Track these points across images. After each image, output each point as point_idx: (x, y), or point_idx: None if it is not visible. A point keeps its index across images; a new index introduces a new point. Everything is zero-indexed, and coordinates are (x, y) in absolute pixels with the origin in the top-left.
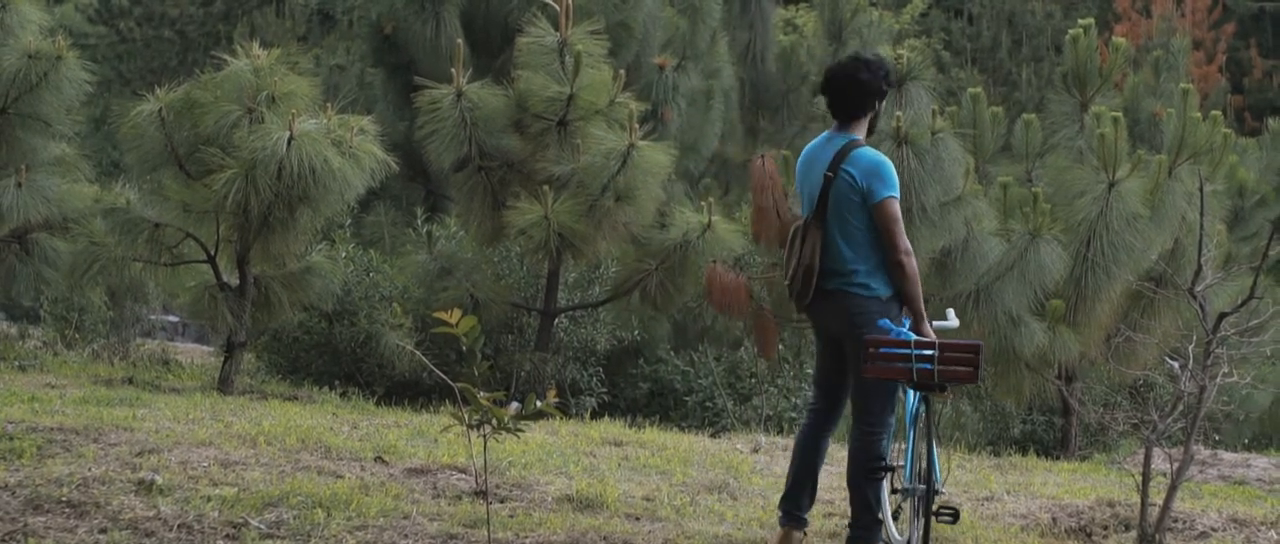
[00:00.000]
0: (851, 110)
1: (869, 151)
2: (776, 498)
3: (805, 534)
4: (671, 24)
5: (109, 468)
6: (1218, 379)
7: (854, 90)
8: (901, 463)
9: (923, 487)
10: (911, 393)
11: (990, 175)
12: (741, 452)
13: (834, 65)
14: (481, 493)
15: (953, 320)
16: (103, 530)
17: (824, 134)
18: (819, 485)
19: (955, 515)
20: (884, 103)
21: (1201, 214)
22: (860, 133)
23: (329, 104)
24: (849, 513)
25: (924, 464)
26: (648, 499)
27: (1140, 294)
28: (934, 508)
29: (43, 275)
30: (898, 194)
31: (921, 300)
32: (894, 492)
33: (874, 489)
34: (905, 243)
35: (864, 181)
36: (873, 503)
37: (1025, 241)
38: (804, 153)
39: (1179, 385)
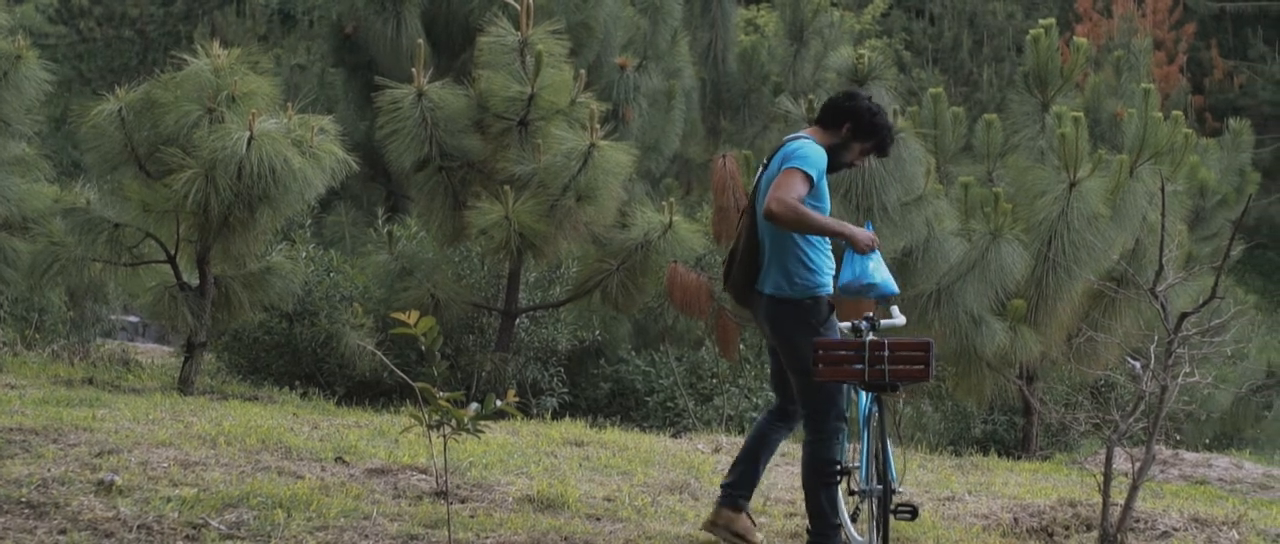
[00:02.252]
0: (820, 114)
1: (796, 140)
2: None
3: (740, 514)
4: (632, 24)
5: (69, 468)
6: (1179, 379)
7: (832, 100)
8: (857, 464)
9: (880, 487)
10: (864, 394)
11: (951, 175)
12: (702, 452)
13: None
14: (442, 493)
15: (898, 318)
16: (62, 531)
17: None
18: (785, 485)
19: (914, 512)
20: (859, 145)
21: (1162, 214)
22: (813, 133)
23: (289, 104)
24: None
25: (880, 464)
26: (609, 499)
27: (1101, 294)
28: (892, 506)
29: (2, 275)
30: (809, 170)
31: (822, 224)
32: (852, 493)
33: (828, 495)
34: (781, 195)
35: (779, 165)
36: (827, 509)
37: (986, 241)
38: None
39: (1140, 385)
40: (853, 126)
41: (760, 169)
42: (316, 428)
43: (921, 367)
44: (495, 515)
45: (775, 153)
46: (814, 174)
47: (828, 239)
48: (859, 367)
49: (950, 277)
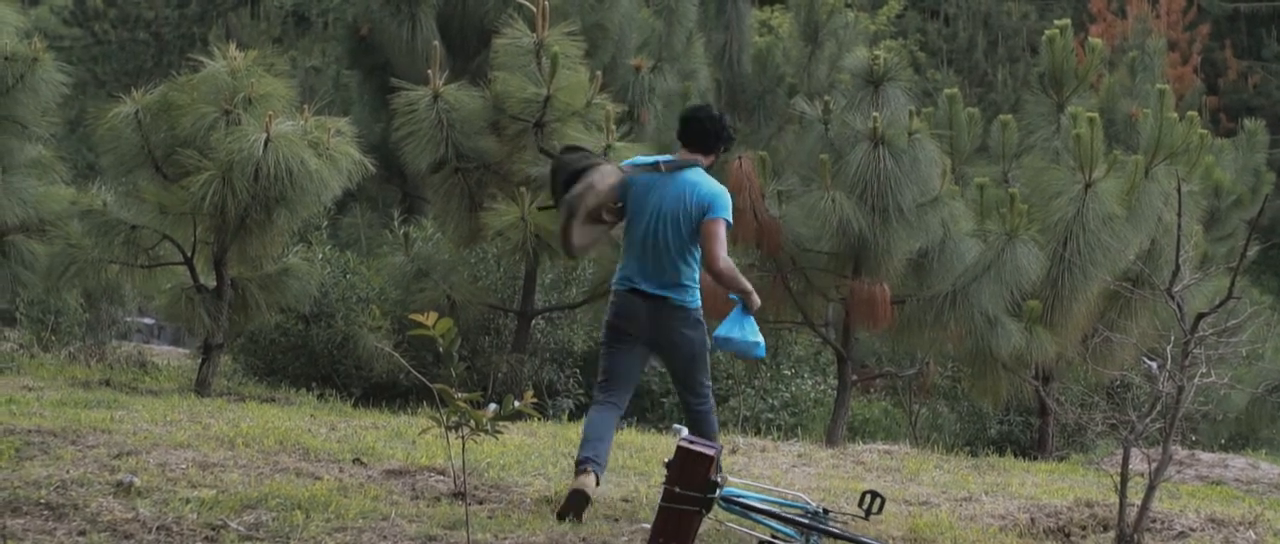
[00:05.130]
0: (699, 138)
1: (698, 172)
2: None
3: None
4: (648, 26)
5: (87, 470)
6: (1195, 379)
7: (710, 125)
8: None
9: (815, 510)
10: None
11: (967, 176)
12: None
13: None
14: (460, 494)
15: (683, 431)
16: (81, 533)
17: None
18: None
19: (877, 495)
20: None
21: (1179, 214)
22: (695, 158)
23: (305, 106)
24: None
25: (783, 509)
26: (626, 501)
27: (1117, 294)
28: (862, 502)
29: (19, 277)
30: (730, 222)
31: (744, 284)
32: None
33: None
34: (725, 256)
35: (698, 205)
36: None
37: (1002, 242)
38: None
39: (1157, 386)
40: (724, 147)
41: (652, 174)
42: (334, 429)
43: (702, 468)
44: (513, 516)
45: (675, 172)
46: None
47: None
48: (693, 510)
49: (966, 277)
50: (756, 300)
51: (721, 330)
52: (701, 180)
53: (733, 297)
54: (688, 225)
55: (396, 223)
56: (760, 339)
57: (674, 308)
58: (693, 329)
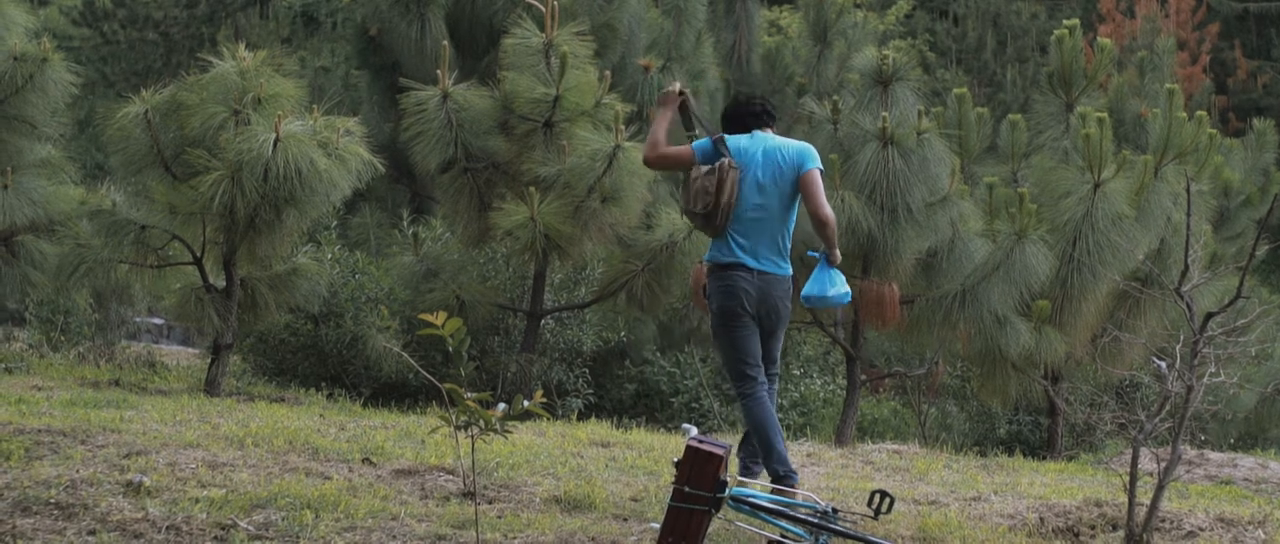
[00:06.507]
0: (768, 118)
1: (794, 140)
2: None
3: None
4: (656, 25)
5: (97, 470)
6: (1204, 379)
7: (768, 106)
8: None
9: (825, 509)
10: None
11: (976, 176)
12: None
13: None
14: (469, 494)
15: (692, 430)
16: (91, 532)
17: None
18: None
19: (886, 494)
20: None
21: (1188, 214)
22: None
23: (315, 106)
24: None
25: (796, 510)
26: (635, 500)
27: (1126, 294)
28: (871, 502)
29: (29, 278)
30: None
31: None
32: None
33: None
34: (829, 204)
35: (799, 159)
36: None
37: (1011, 242)
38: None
39: (1166, 385)
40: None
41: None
42: (343, 429)
43: (712, 468)
44: (523, 516)
45: (771, 139)
46: None
47: None
48: (702, 509)
49: (975, 277)
50: (838, 255)
51: (808, 289)
52: (784, 141)
53: (812, 253)
54: (788, 186)
55: (405, 223)
56: (847, 288)
57: (782, 279)
58: (788, 298)
